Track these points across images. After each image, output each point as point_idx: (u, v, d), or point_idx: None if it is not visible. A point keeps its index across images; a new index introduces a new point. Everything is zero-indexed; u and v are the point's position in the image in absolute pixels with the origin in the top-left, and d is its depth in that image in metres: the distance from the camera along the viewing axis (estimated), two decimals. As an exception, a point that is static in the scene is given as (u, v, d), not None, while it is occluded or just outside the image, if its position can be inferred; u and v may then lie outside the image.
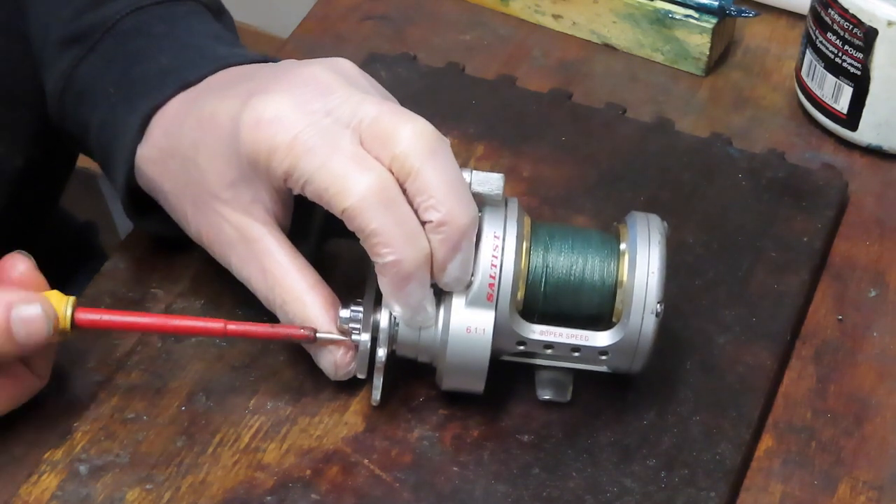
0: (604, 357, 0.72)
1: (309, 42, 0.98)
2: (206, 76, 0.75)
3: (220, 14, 0.83)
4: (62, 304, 0.70)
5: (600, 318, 0.72)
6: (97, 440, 0.72)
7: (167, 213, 0.76)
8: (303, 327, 0.71)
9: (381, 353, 0.70)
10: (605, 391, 0.75)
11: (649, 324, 0.70)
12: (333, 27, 1.00)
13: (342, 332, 0.71)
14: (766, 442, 0.75)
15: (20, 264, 0.70)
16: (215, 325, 0.71)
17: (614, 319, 0.71)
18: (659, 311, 0.70)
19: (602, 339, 0.71)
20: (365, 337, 0.70)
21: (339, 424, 0.73)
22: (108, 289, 0.79)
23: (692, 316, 0.79)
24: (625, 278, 0.71)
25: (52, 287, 0.71)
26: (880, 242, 0.87)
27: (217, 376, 0.75)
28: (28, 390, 0.71)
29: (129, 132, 0.75)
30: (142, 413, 0.73)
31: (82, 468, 0.71)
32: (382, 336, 0.70)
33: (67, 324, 0.70)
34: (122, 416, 0.73)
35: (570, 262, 0.71)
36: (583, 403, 0.75)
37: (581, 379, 0.74)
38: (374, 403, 0.73)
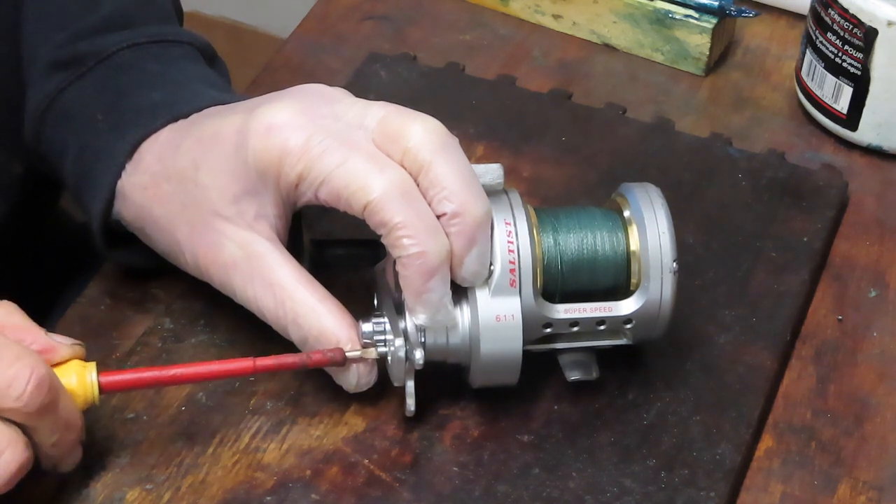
0: (628, 326, 0.73)
1: (309, 42, 0.98)
2: (198, 111, 0.75)
3: (214, 60, 0.83)
4: (85, 374, 0.68)
5: (617, 290, 0.73)
6: (98, 439, 0.72)
7: (142, 245, 0.76)
8: (330, 351, 0.70)
9: (419, 354, 0.70)
10: (605, 391, 0.75)
11: (668, 283, 0.72)
12: (333, 27, 1.00)
13: (364, 346, 0.71)
14: (766, 442, 0.75)
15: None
16: (244, 364, 0.69)
17: (632, 288, 0.72)
18: (675, 269, 0.71)
19: (626, 306, 0.72)
20: (399, 342, 0.70)
21: (339, 424, 0.73)
22: (108, 289, 0.79)
23: (692, 316, 0.79)
24: (637, 244, 0.72)
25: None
26: (880, 242, 0.87)
27: (217, 376, 0.75)
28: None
29: (116, 158, 0.75)
30: (142, 413, 0.73)
31: (83, 467, 0.70)
32: (414, 339, 0.70)
33: (95, 394, 0.68)
34: (122, 416, 0.73)
35: (579, 238, 0.72)
36: (583, 403, 0.75)
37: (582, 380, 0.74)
38: (409, 414, 0.72)
